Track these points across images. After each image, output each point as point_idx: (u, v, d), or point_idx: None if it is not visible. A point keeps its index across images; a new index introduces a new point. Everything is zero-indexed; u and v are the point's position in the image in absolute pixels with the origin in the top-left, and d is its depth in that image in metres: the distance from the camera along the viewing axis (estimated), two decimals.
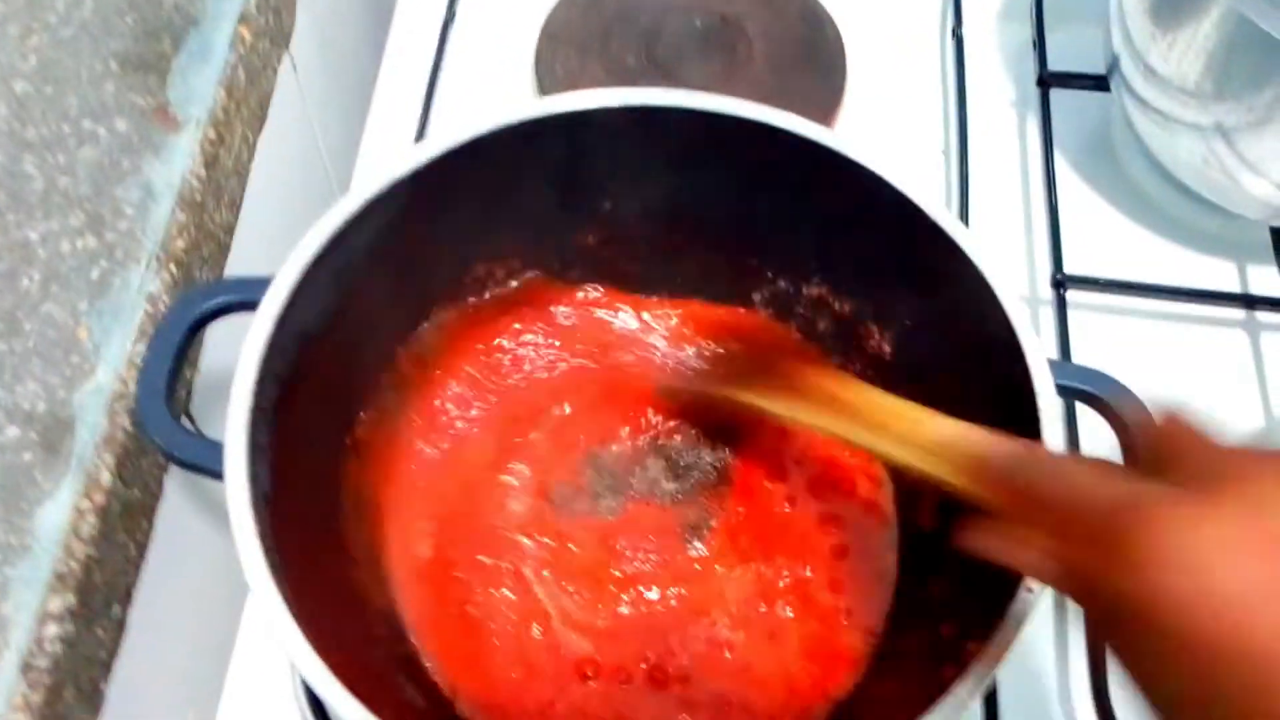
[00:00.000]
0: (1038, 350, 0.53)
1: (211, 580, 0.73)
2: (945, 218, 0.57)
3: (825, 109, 0.85)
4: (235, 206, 0.73)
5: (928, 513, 0.62)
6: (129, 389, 0.59)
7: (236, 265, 0.73)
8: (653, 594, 0.63)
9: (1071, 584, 0.40)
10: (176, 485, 0.66)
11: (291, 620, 0.45)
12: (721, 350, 0.70)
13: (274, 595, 0.46)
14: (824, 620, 0.62)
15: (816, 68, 0.87)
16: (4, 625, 0.53)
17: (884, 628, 0.61)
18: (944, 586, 0.58)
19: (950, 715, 0.46)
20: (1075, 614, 0.65)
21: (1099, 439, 0.58)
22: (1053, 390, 0.52)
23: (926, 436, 0.50)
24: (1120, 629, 0.37)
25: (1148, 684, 0.37)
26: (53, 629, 0.54)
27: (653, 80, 0.85)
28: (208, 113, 0.70)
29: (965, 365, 0.58)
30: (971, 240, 0.56)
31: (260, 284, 0.53)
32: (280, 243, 0.80)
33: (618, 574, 0.63)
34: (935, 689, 0.47)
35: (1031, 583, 0.48)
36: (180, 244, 0.65)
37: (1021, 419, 0.53)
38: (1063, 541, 0.40)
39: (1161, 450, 0.40)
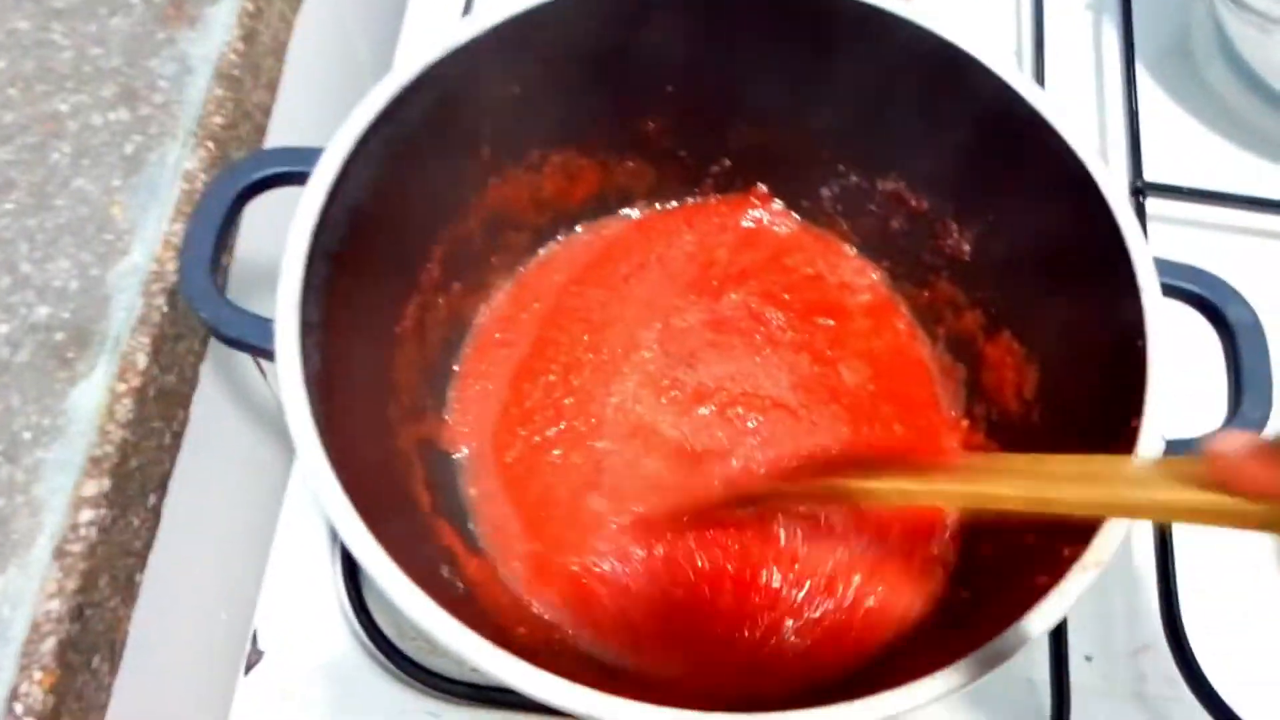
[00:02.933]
0: (1143, 246, 0.50)
1: (245, 477, 0.70)
2: (1043, 101, 0.53)
3: None
4: (272, 87, 0.70)
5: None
6: (166, 269, 0.56)
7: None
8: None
9: None
10: (211, 375, 0.63)
11: (348, 502, 0.43)
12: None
13: (328, 474, 0.43)
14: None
15: None
16: (37, 508, 0.51)
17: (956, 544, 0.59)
18: None
19: (1044, 621, 0.43)
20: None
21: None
22: (1158, 290, 0.49)
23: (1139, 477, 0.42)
24: None
25: None
26: (87, 514, 0.51)
27: None
28: None
29: (1053, 265, 0.55)
30: (1072, 128, 0.52)
31: (311, 154, 0.50)
32: (317, 128, 0.77)
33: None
34: (1028, 596, 0.44)
35: None
36: (218, 120, 0.61)
37: (1118, 323, 0.50)
38: None
39: None
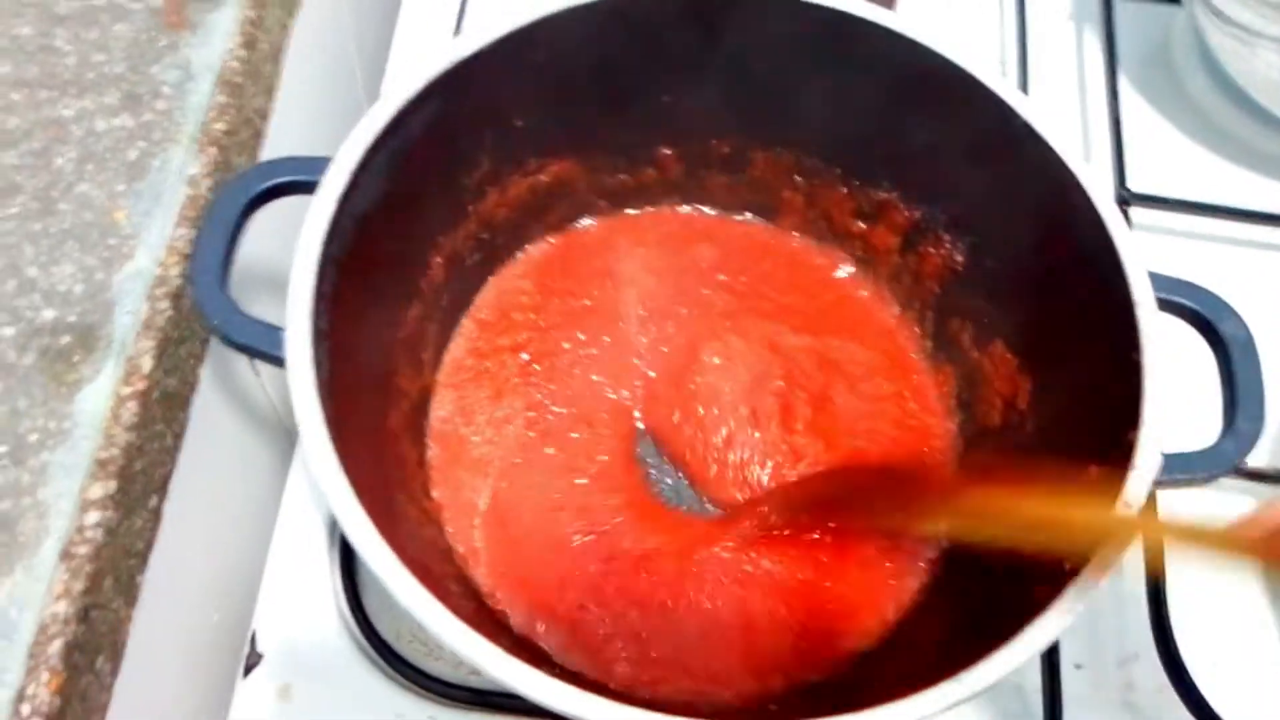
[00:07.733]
0: (1137, 260, 0.50)
1: (243, 478, 0.71)
2: (1033, 111, 0.54)
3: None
4: (270, 93, 0.70)
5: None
6: (170, 273, 0.57)
7: (271, 154, 0.70)
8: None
9: None
10: (210, 377, 0.63)
11: (362, 512, 0.43)
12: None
13: (342, 483, 0.44)
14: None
15: None
16: (44, 511, 0.51)
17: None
18: None
19: (1045, 634, 0.44)
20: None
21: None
22: (1153, 303, 0.50)
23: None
24: None
25: None
26: (93, 516, 0.51)
27: None
28: None
29: (1048, 277, 0.56)
30: (1066, 141, 0.53)
31: (318, 163, 0.51)
32: (313, 133, 0.77)
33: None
34: (1028, 608, 0.45)
35: (1129, 498, 0.46)
36: (220, 126, 0.62)
37: (1112, 335, 0.51)
38: None
39: None
